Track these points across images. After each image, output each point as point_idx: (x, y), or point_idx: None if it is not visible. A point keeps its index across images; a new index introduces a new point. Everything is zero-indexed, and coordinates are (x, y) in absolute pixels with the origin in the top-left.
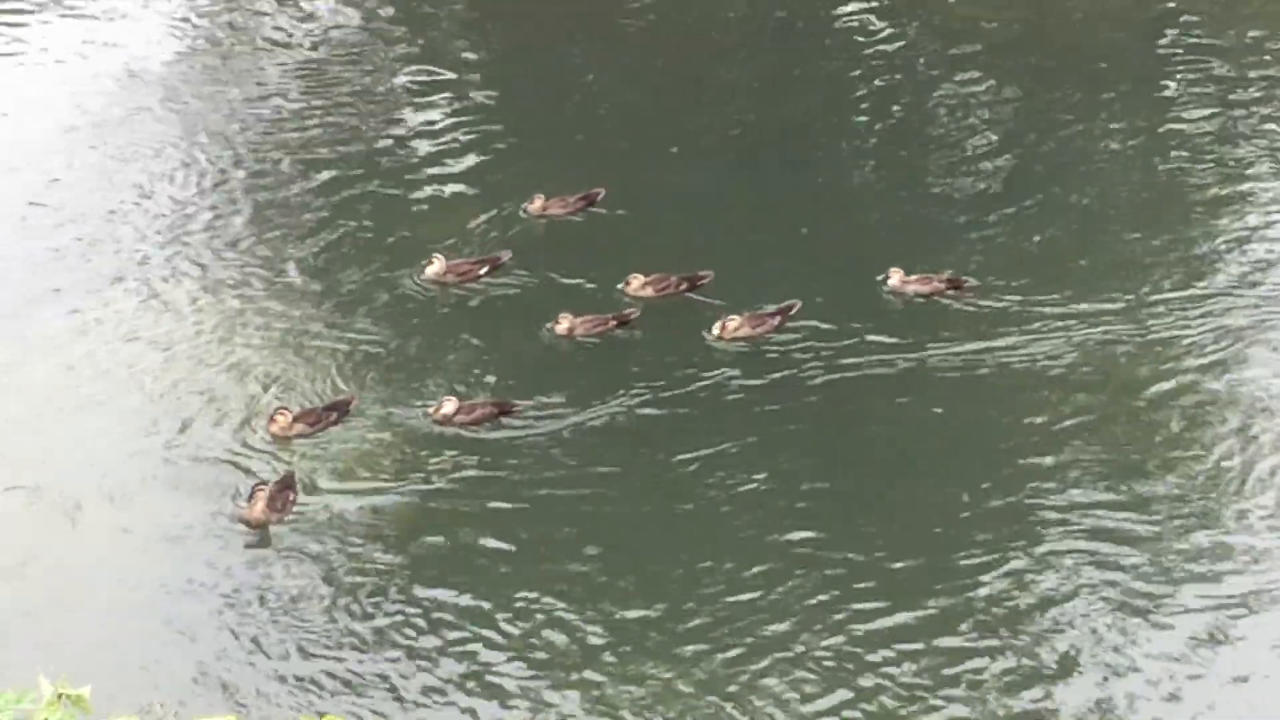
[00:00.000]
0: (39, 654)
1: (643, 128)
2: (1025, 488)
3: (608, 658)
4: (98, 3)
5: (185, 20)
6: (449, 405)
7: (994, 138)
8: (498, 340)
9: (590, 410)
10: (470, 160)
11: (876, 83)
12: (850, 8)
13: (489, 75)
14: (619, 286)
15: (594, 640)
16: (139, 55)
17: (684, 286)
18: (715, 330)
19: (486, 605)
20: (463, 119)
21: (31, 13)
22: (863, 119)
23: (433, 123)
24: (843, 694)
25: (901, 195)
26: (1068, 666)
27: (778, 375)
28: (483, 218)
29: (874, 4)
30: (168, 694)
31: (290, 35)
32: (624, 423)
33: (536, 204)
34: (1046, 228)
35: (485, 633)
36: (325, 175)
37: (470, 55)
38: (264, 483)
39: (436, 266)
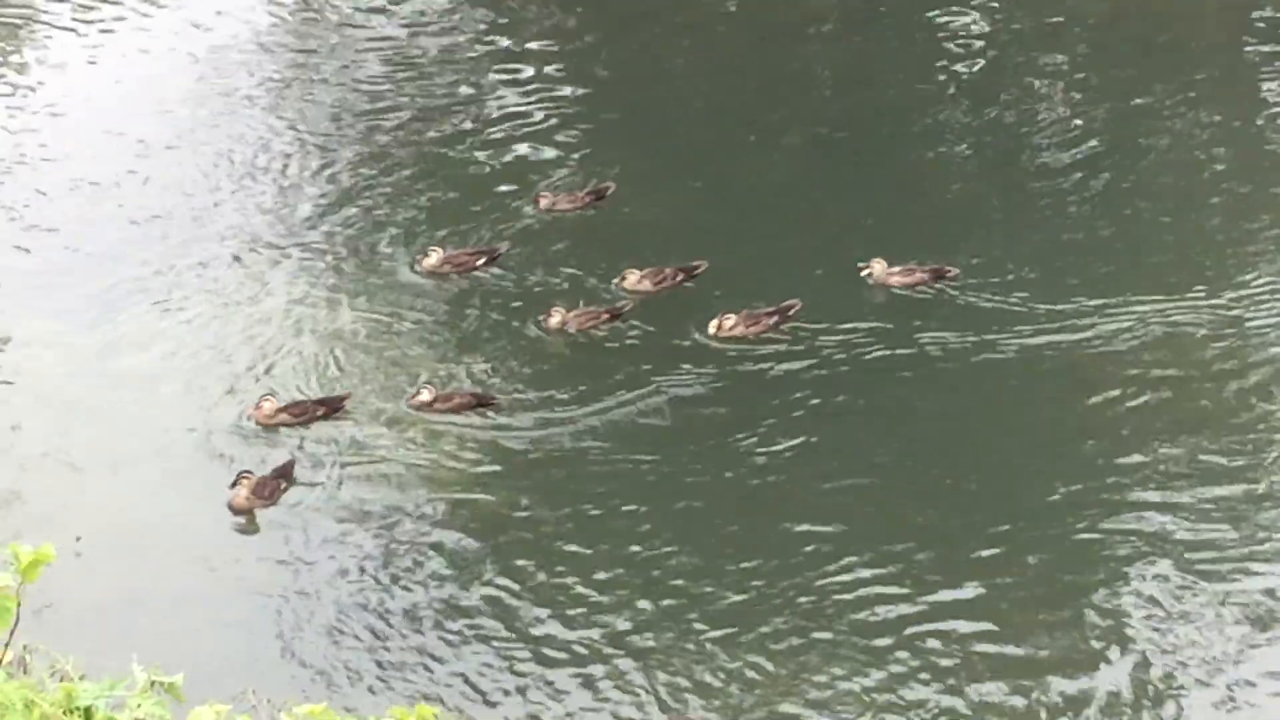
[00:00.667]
0: (130, 641)
1: (723, 117)
2: (1098, 478)
3: (620, 652)
4: None
5: (273, 8)
6: (426, 394)
7: (1081, 124)
8: (493, 332)
9: (589, 405)
10: (550, 150)
11: (962, 72)
12: (960, 4)
13: (573, 61)
14: (614, 282)
15: (604, 635)
16: (228, 34)
17: (680, 278)
18: (711, 329)
19: (569, 598)
20: (546, 107)
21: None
22: (947, 109)
23: (515, 111)
24: (892, 676)
25: (985, 186)
26: (1128, 648)
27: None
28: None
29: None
30: (258, 681)
31: (377, 19)
32: (621, 415)
33: (544, 201)
34: (1126, 215)
35: (566, 627)
36: (403, 160)
37: (556, 40)
38: (249, 471)
39: (434, 258)
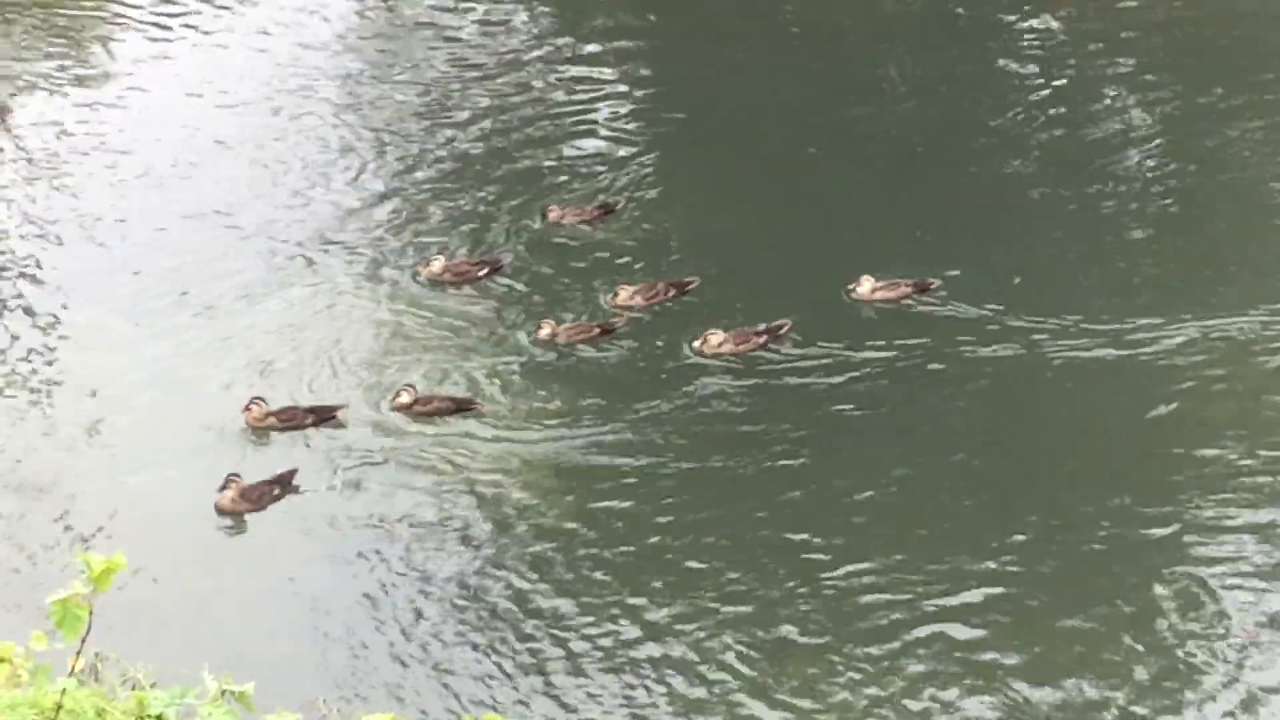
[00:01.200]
0: (201, 649)
1: (787, 126)
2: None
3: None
4: None
5: (354, 16)
6: (405, 396)
7: (1153, 137)
8: (484, 341)
9: (588, 416)
10: (613, 154)
11: (1037, 83)
12: (1038, 15)
13: (639, 68)
14: (607, 299)
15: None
16: (305, 32)
17: (672, 293)
18: (696, 344)
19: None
20: (616, 111)
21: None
22: (1013, 116)
23: (585, 115)
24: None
25: (1048, 196)
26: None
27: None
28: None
29: (1057, 9)
30: (328, 689)
31: (450, 18)
32: (625, 426)
33: (553, 214)
34: (1193, 226)
35: (622, 639)
36: (455, 161)
37: (623, 46)
38: (237, 474)
39: (435, 266)
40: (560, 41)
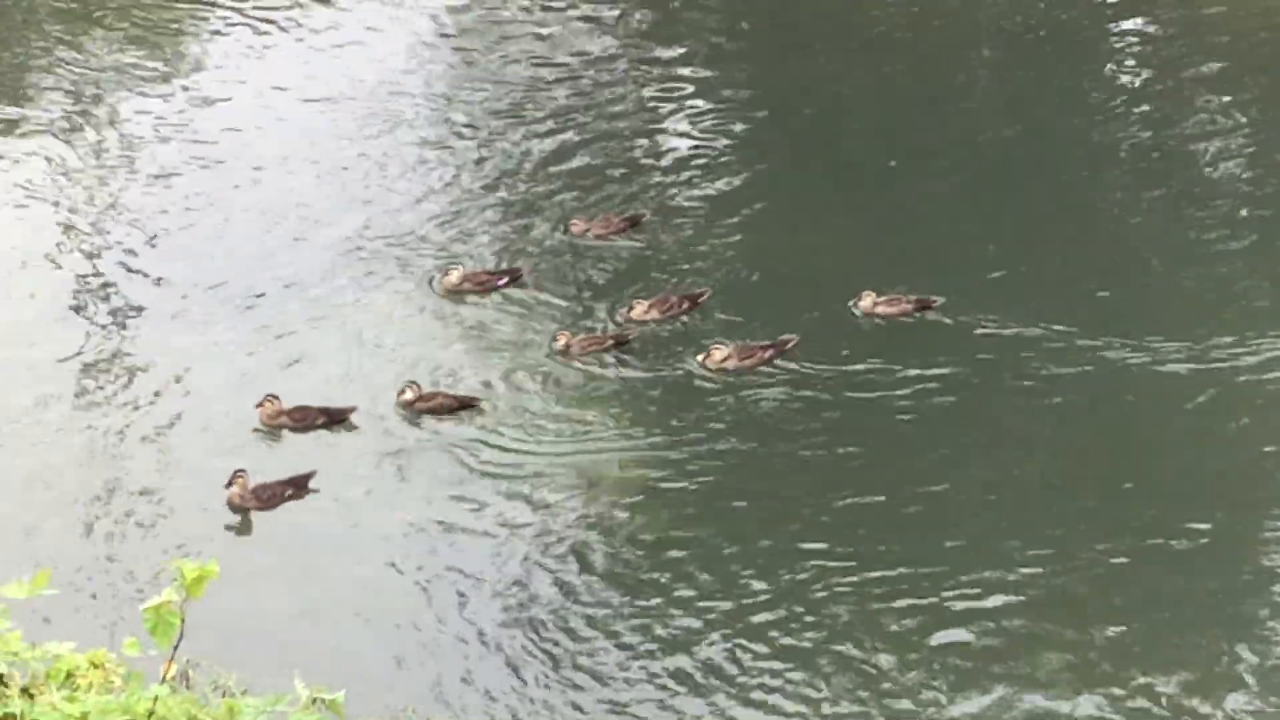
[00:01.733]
0: (290, 657)
1: (870, 135)
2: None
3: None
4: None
5: (444, 15)
6: (409, 393)
7: (1244, 148)
8: (501, 350)
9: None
10: (699, 165)
11: (1124, 94)
12: (1126, 25)
13: (730, 73)
14: (621, 313)
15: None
16: (397, 31)
17: (686, 305)
18: (700, 358)
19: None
20: (696, 118)
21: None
22: (1105, 133)
23: (663, 121)
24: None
25: (1140, 212)
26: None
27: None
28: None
29: (1144, 19)
30: (415, 698)
31: (545, 16)
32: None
33: (577, 227)
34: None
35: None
36: (527, 164)
37: (716, 50)
38: (244, 470)
39: (454, 276)
40: (647, 44)
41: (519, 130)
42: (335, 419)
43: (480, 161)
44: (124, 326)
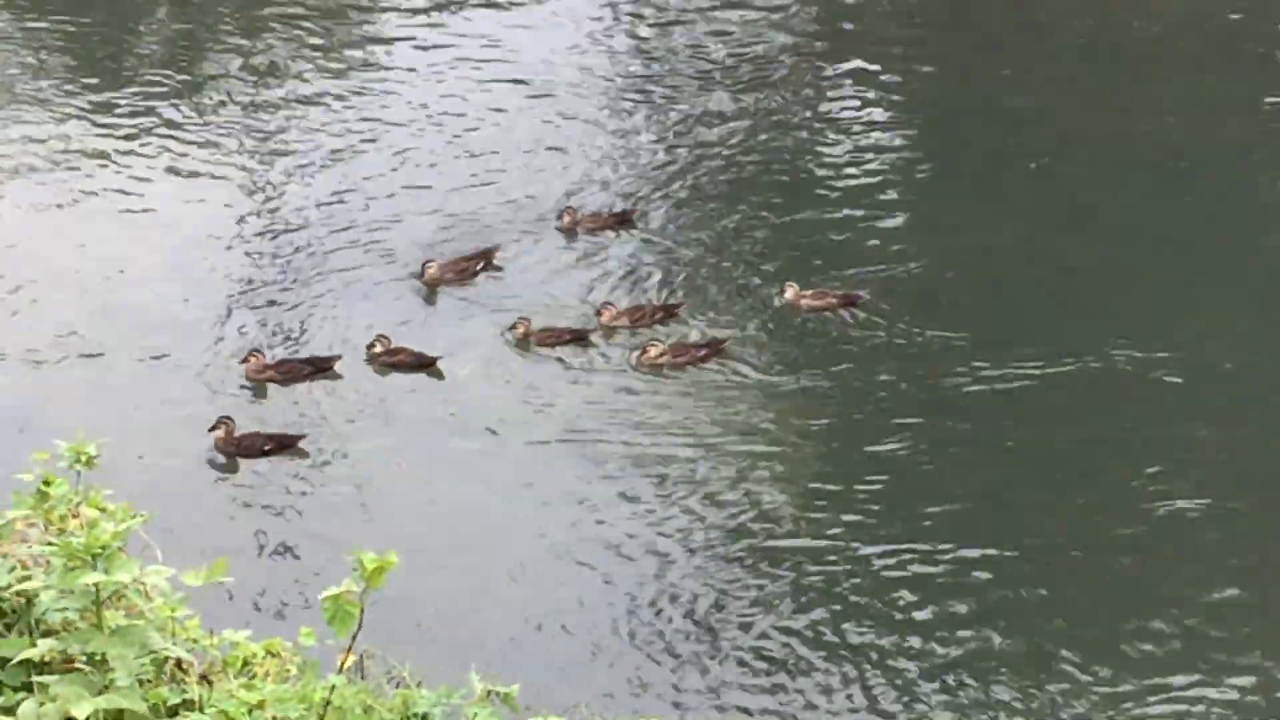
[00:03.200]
0: (463, 649)
1: (1046, 141)
2: None
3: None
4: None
5: (605, 19)
6: (378, 346)
7: None
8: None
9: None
10: (863, 172)
11: None
12: None
13: (900, 74)
14: (595, 314)
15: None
16: (569, 29)
17: (659, 316)
18: (633, 357)
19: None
20: (858, 115)
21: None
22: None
23: (826, 119)
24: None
25: None
26: None
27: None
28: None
29: None
30: (590, 694)
31: (721, 15)
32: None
33: (566, 219)
34: None
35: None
36: (685, 167)
37: (888, 48)
38: (229, 417)
39: (433, 270)
40: (819, 44)
41: (676, 126)
42: (320, 368)
43: (632, 154)
44: (334, 304)
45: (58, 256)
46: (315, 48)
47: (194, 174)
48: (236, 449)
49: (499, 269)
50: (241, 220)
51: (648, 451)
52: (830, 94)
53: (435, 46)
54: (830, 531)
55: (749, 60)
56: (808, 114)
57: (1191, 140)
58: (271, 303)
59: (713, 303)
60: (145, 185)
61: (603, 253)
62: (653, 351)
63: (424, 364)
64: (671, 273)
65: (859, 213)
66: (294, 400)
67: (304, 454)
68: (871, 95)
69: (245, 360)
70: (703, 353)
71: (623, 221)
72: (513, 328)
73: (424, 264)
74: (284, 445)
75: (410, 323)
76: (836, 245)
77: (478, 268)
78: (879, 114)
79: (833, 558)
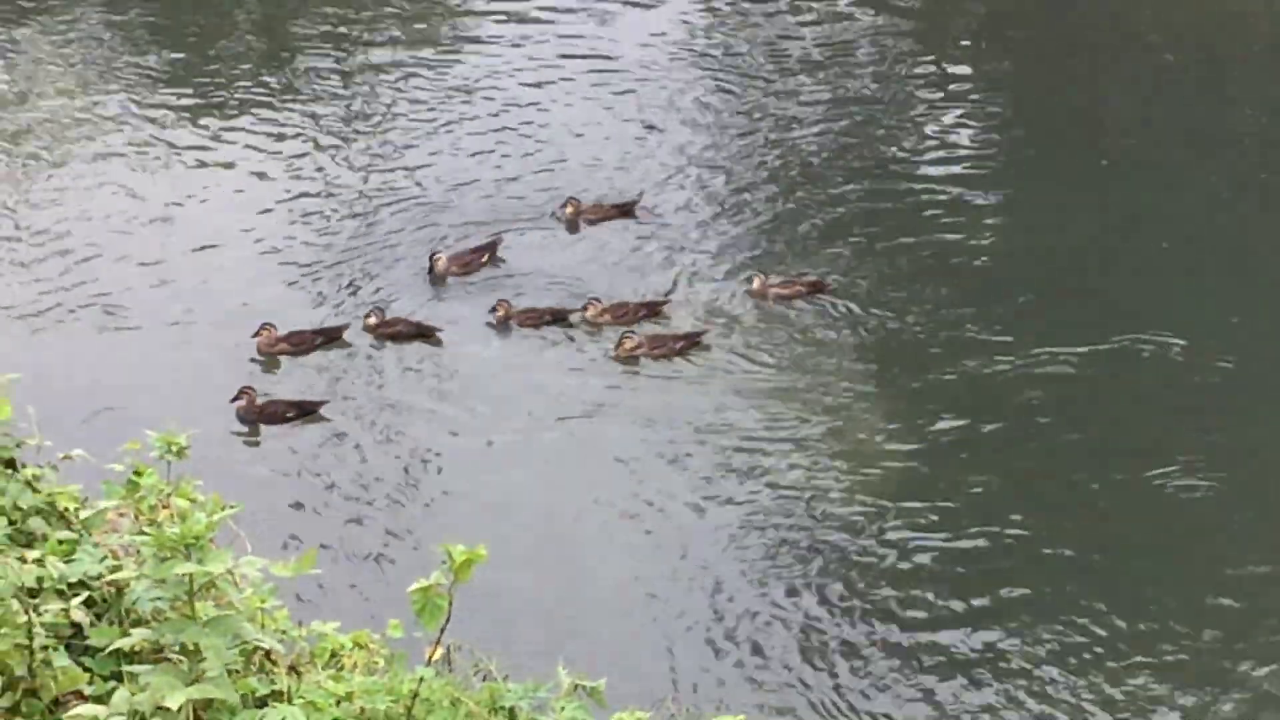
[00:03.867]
0: (554, 643)
1: (1108, 141)
2: None
3: None
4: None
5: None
6: (372, 319)
7: None
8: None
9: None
10: (956, 169)
11: None
12: None
13: (987, 73)
14: (579, 311)
15: None
16: (651, 30)
17: (643, 314)
18: (614, 348)
19: None
20: (944, 117)
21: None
22: None
23: (911, 118)
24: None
25: None
26: None
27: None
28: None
29: None
30: (679, 689)
31: (800, 38)
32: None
33: (569, 210)
34: None
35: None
36: (812, 176)
37: (976, 46)
38: (251, 387)
39: (442, 263)
40: (905, 45)
41: (758, 125)
42: (331, 338)
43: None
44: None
45: (116, 223)
46: (402, 23)
47: (280, 136)
48: (259, 416)
49: (502, 260)
50: (310, 195)
51: (718, 445)
52: (902, 86)
53: (523, 21)
54: (938, 532)
55: (829, 48)
56: (872, 106)
57: (1269, 145)
58: (319, 272)
59: (714, 295)
60: (220, 152)
61: (603, 244)
62: (629, 344)
63: (423, 333)
64: (672, 263)
65: (915, 209)
66: (322, 368)
67: (326, 419)
68: (947, 90)
69: (257, 334)
70: (680, 345)
71: (625, 212)
72: (494, 310)
73: (431, 257)
74: (306, 411)
75: (442, 299)
76: (888, 237)
77: (482, 260)
78: (950, 107)
79: (920, 560)
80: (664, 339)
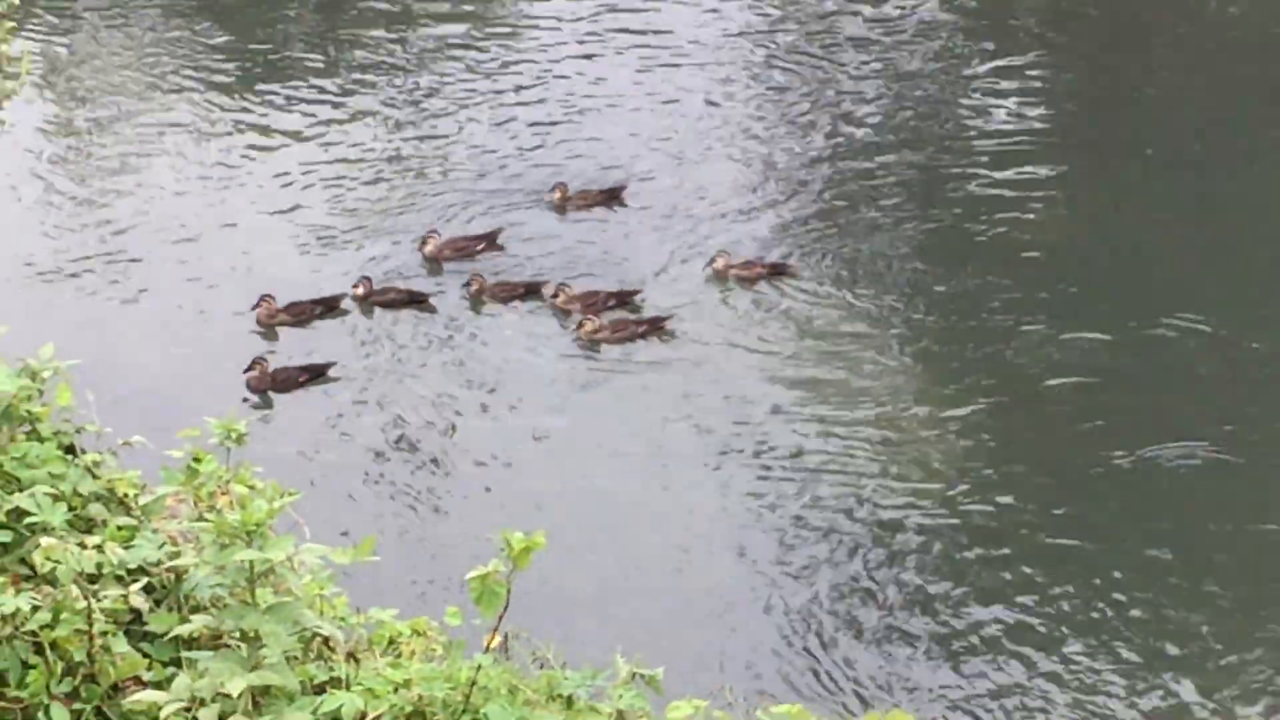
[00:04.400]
0: (609, 631)
1: (1160, 132)
2: None
3: None
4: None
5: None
6: (362, 288)
7: None
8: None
9: None
10: (1011, 164)
11: None
12: None
13: (1058, 76)
14: (548, 295)
15: None
16: (708, 26)
17: (612, 303)
18: (572, 328)
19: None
20: (1023, 120)
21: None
22: None
23: (997, 126)
24: None
25: None
26: None
27: None
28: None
29: None
30: (735, 678)
31: (869, 30)
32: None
33: (557, 195)
34: None
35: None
36: (880, 169)
37: (1035, 35)
38: (263, 357)
39: (431, 246)
40: (963, 42)
41: (813, 122)
42: (330, 307)
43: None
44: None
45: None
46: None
47: (335, 117)
48: (272, 385)
49: (501, 248)
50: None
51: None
52: (958, 69)
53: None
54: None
55: (882, 26)
56: (925, 84)
57: None
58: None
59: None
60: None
61: (591, 229)
62: (589, 326)
63: (415, 300)
64: (699, 252)
65: (957, 189)
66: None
67: (335, 379)
68: (1004, 82)
69: (256, 306)
70: (642, 329)
71: (612, 197)
72: (467, 284)
73: (426, 235)
74: (317, 374)
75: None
76: (917, 227)
77: (478, 248)
78: (1005, 88)
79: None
80: (626, 324)
